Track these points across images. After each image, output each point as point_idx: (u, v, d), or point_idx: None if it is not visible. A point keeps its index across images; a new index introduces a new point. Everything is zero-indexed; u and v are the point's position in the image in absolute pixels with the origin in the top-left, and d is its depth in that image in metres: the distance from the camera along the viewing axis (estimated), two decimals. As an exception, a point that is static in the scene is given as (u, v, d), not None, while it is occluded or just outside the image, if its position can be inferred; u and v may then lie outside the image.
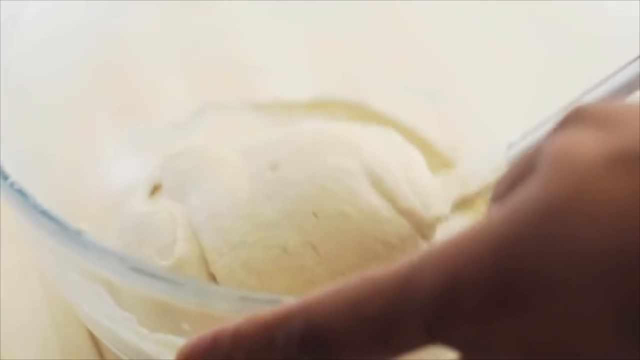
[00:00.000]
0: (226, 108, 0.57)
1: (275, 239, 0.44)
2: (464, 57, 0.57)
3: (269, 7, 0.58)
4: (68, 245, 0.39)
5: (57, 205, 0.41)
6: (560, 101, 0.43)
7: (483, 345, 0.26)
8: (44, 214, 0.39)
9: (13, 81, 0.47)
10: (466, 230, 0.27)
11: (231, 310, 0.37)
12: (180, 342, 0.40)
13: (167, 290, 0.37)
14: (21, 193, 0.40)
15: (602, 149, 0.26)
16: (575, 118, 0.28)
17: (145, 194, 0.50)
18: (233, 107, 0.58)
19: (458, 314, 0.26)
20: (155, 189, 0.50)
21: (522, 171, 0.28)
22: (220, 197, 0.46)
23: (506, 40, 0.54)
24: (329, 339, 0.27)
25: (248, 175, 0.47)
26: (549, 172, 0.26)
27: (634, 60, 0.41)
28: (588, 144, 0.26)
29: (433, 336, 0.27)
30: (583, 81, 0.44)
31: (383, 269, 0.27)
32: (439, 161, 0.55)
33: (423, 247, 0.45)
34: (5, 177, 0.40)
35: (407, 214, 0.45)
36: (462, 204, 0.48)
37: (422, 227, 0.45)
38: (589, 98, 0.42)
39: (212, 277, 0.44)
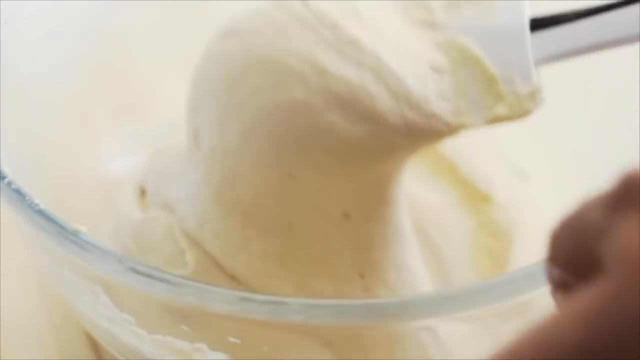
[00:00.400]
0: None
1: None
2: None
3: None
4: (66, 245, 0.38)
5: (56, 205, 0.41)
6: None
7: None
8: (42, 213, 0.39)
9: (12, 80, 0.47)
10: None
11: (230, 311, 0.36)
12: (178, 343, 0.40)
13: (166, 291, 0.37)
14: (19, 193, 0.40)
15: None
16: (633, 198, 0.25)
17: (135, 195, 0.49)
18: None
19: None
20: (142, 192, 0.49)
21: (584, 253, 0.26)
22: (193, 201, 0.44)
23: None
24: None
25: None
26: (623, 279, 0.24)
27: None
28: None
29: None
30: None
31: None
32: None
33: None
34: (3, 177, 0.40)
35: None
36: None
37: None
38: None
39: (234, 279, 0.43)
